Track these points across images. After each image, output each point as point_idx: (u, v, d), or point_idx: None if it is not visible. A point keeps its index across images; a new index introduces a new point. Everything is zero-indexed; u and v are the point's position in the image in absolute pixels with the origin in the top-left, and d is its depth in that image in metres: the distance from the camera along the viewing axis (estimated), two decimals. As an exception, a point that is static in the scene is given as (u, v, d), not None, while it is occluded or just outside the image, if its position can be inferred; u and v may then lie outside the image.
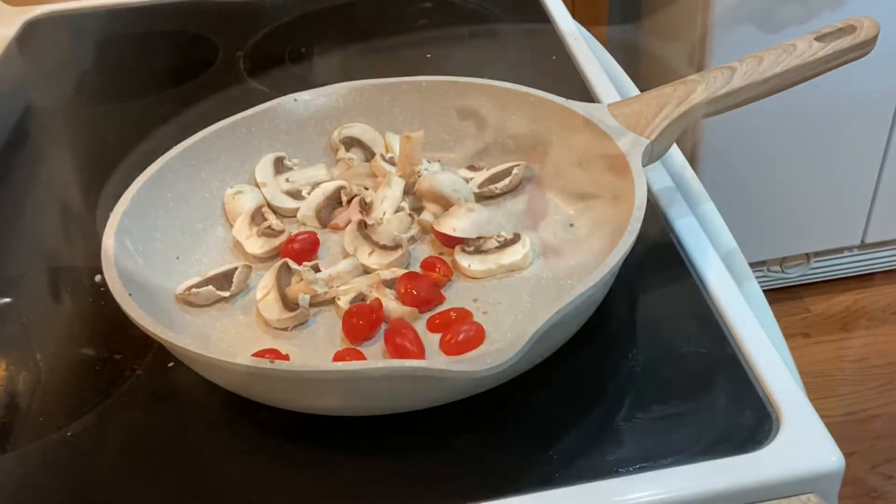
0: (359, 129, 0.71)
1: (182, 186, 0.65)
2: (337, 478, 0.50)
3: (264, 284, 0.59)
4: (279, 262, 0.61)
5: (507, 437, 0.52)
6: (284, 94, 0.90)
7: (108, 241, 0.57)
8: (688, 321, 0.59)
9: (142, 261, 0.58)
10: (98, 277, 0.65)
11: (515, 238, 0.62)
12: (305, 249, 0.64)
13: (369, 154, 0.71)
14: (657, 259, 0.64)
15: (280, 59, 0.96)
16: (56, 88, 0.96)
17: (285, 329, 0.58)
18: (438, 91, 0.72)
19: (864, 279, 1.80)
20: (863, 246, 1.73)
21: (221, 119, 0.69)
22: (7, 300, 0.66)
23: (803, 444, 0.49)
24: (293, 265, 0.60)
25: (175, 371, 0.57)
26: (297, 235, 0.65)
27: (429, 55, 0.97)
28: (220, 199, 0.67)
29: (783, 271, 1.76)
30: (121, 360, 0.59)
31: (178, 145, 0.66)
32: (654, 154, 0.63)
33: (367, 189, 0.67)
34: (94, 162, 0.84)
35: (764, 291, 0.66)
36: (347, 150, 0.71)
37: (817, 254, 1.75)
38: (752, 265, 0.68)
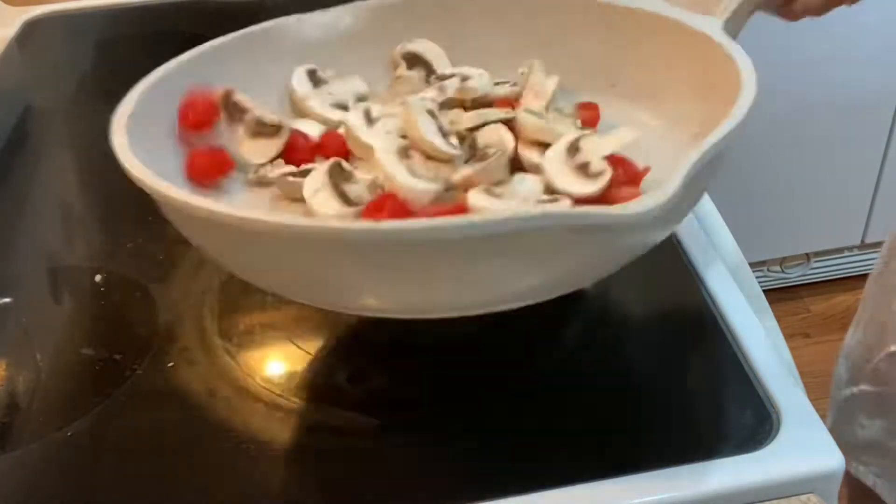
0: (422, 45, 0.64)
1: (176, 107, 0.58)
2: (336, 478, 0.50)
3: (313, 181, 0.53)
4: (331, 160, 0.55)
5: (507, 437, 0.52)
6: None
7: (121, 135, 0.51)
8: (688, 321, 0.59)
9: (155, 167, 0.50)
10: (98, 277, 0.65)
11: (554, 199, 0.52)
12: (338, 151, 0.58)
13: (429, 72, 0.64)
14: (657, 259, 0.64)
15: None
16: (56, 88, 0.96)
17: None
18: (461, 7, 0.64)
19: (864, 279, 1.79)
20: (863, 246, 1.73)
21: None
22: (7, 300, 0.66)
23: (803, 444, 0.49)
24: (346, 165, 0.55)
25: (175, 371, 0.57)
26: (328, 136, 0.60)
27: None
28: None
29: (783, 271, 1.76)
30: (121, 360, 0.59)
31: (175, 59, 0.60)
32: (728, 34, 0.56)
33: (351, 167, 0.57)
34: (94, 162, 0.84)
35: (764, 291, 0.66)
36: (410, 67, 0.64)
37: (817, 254, 1.75)
38: (752, 265, 0.68)
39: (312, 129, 0.60)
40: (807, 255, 1.75)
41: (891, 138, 1.57)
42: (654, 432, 0.51)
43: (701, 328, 0.58)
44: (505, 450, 0.51)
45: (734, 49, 0.53)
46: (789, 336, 0.62)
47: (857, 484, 0.77)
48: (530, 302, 0.45)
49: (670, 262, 0.63)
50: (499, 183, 0.53)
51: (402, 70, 0.64)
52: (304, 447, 0.53)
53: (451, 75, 0.61)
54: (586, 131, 0.56)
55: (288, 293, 0.49)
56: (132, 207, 0.59)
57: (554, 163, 0.52)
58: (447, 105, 0.60)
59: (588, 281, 0.46)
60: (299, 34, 0.64)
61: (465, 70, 0.62)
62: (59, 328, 0.63)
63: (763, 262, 1.74)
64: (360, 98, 0.63)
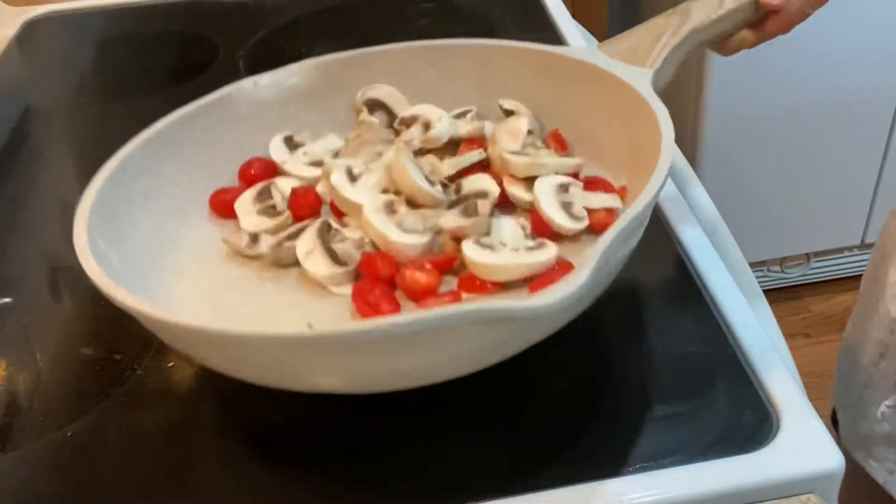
0: (384, 91, 0.67)
1: (148, 182, 0.59)
2: (335, 478, 0.50)
3: (305, 243, 0.57)
4: (319, 221, 0.59)
5: (506, 437, 0.52)
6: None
7: (82, 236, 0.52)
8: (688, 321, 0.59)
9: (117, 263, 0.53)
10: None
11: (540, 245, 0.56)
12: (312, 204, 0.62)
13: (391, 118, 0.67)
14: (657, 259, 0.64)
15: (280, 60, 0.96)
16: (56, 88, 0.96)
17: (336, 286, 0.56)
18: (410, 59, 0.67)
19: (863, 279, 1.79)
20: (863, 246, 1.73)
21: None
22: (7, 300, 0.66)
23: (803, 444, 0.49)
24: (334, 224, 0.59)
25: (175, 371, 0.57)
26: (297, 194, 0.62)
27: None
28: (189, 196, 0.62)
29: (783, 271, 1.76)
30: (121, 360, 0.59)
31: (137, 136, 0.60)
32: (656, 86, 0.60)
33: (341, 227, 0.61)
34: (94, 162, 0.84)
35: (764, 291, 0.66)
36: (371, 112, 0.67)
37: (817, 254, 1.75)
38: (752, 265, 0.68)
39: (289, 185, 0.63)
40: (807, 255, 1.75)
41: (891, 138, 1.57)
42: (654, 432, 0.51)
43: (701, 328, 0.58)
44: (505, 449, 0.51)
45: (656, 105, 0.56)
46: (789, 336, 0.62)
47: (855, 482, 0.77)
48: (477, 369, 0.48)
49: (670, 262, 0.63)
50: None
51: (365, 115, 0.67)
52: (303, 447, 0.53)
53: (412, 118, 0.65)
54: (567, 161, 0.60)
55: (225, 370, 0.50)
56: (132, 207, 0.60)
57: (546, 196, 0.57)
58: (417, 153, 0.63)
59: (502, 357, 0.48)
60: (255, 96, 0.66)
61: (425, 112, 0.65)
62: (59, 328, 0.63)
63: (763, 262, 1.74)
64: (335, 153, 0.65)
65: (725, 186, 1.54)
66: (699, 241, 0.64)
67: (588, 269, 0.43)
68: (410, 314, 0.42)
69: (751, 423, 0.51)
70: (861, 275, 0.80)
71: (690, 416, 0.52)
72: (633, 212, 0.47)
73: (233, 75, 0.93)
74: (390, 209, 0.58)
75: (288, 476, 0.51)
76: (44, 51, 1.03)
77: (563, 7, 1.00)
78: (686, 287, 0.61)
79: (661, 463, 0.49)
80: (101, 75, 0.98)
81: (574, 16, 0.99)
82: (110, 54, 1.02)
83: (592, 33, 0.99)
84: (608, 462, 0.49)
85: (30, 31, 1.04)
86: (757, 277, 0.67)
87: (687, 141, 1.53)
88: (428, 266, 0.54)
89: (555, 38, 0.94)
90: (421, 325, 0.41)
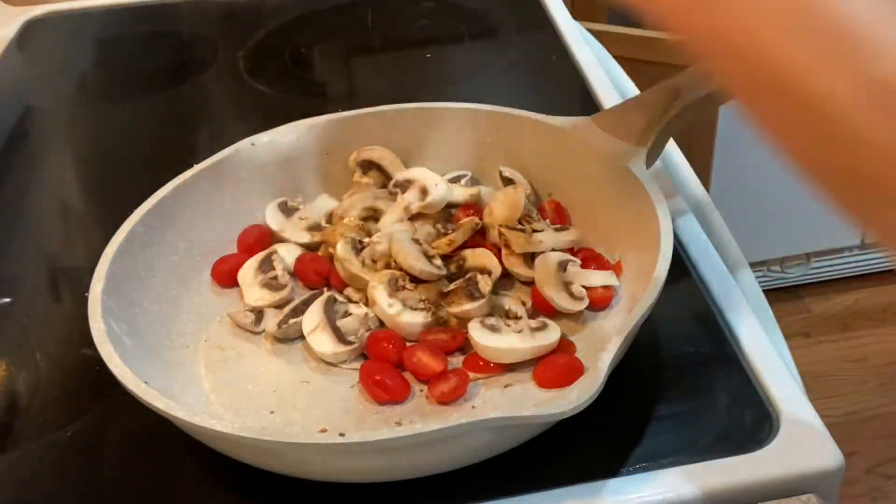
0: (378, 153, 0.68)
1: (150, 253, 0.59)
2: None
3: (310, 319, 0.58)
4: (325, 295, 0.59)
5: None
6: (284, 94, 0.90)
7: (98, 324, 0.51)
8: (688, 321, 0.59)
9: (129, 341, 0.53)
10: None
11: (542, 325, 0.56)
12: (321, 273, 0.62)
13: (386, 179, 0.68)
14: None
15: (280, 59, 0.96)
16: (56, 88, 0.96)
17: (341, 363, 0.56)
18: (404, 119, 0.68)
19: (863, 279, 1.80)
20: (863, 246, 1.73)
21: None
22: (7, 300, 0.66)
23: (803, 444, 0.49)
24: (339, 297, 0.59)
25: (175, 371, 0.57)
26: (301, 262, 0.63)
27: (429, 55, 0.97)
28: (189, 262, 0.62)
29: (783, 271, 1.76)
30: (121, 360, 0.58)
31: (140, 208, 0.60)
32: (648, 161, 0.61)
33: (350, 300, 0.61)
34: (94, 162, 0.84)
35: (764, 291, 0.66)
36: (365, 173, 0.67)
37: (817, 254, 1.75)
38: (752, 265, 0.68)
39: (290, 253, 0.63)
40: (807, 255, 1.75)
41: (891, 138, 1.57)
42: (654, 432, 0.51)
43: (701, 328, 0.58)
44: (505, 450, 0.51)
45: (652, 190, 0.57)
46: (789, 336, 0.62)
47: None
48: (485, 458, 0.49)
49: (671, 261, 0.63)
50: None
51: (359, 176, 0.67)
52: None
53: (407, 182, 0.66)
54: (564, 237, 0.61)
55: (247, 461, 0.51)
56: (131, 207, 0.60)
57: (547, 277, 0.58)
58: (413, 218, 0.64)
59: (503, 450, 0.50)
60: (253, 157, 0.66)
61: (421, 176, 0.66)
62: (59, 328, 0.63)
63: (763, 262, 1.74)
64: (330, 214, 0.66)
65: (725, 186, 1.54)
66: (700, 241, 0.64)
67: (601, 377, 0.46)
68: (439, 422, 0.44)
69: (751, 423, 0.51)
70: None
71: (690, 416, 0.52)
72: (636, 320, 0.49)
73: (233, 75, 0.93)
74: (395, 285, 0.59)
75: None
76: (44, 51, 1.03)
77: (563, 7, 1.00)
78: (687, 288, 0.61)
79: (661, 463, 0.49)
80: (101, 75, 0.98)
81: (574, 16, 0.99)
82: (110, 54, 1.02)
83: (592, 33, 0.99)
84: (608, 462, 0.49)
85: (30, 31, 1.04)
86: (757, 277, 0.67)
87: (688, 140, 1.53)
88: (435, 354, 0.55)
89: (555, 37, 0.94)
90: (446, 432, 0.44)
